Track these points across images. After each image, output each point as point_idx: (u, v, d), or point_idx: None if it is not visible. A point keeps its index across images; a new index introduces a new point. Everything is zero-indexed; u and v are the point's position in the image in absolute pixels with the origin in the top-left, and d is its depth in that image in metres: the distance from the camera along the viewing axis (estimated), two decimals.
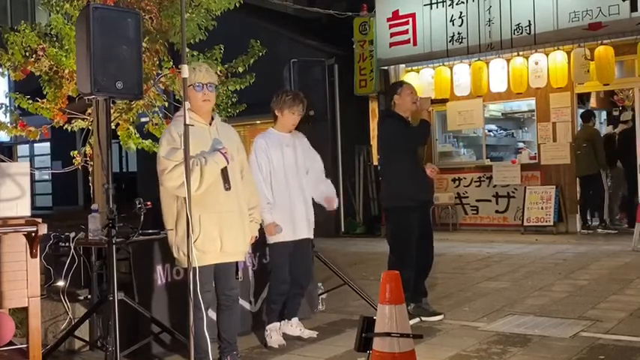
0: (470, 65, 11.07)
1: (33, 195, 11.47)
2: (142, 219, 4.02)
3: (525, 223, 10.83)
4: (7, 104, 7.12)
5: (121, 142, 7.05)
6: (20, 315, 3.79)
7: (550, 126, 10.94)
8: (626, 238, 9.01)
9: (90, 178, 6.48)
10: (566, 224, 10.73)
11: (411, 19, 11.68)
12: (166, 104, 7.05)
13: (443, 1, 11.33)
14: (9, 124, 6.87)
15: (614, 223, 10.95)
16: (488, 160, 11.83)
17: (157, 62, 6.65)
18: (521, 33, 10.54)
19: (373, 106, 12.92)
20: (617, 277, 6.72)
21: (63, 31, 6.13)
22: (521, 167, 11.24)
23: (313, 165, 4.95)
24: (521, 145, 12.37)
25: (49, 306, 4.62)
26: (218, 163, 3.79)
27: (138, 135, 7.00)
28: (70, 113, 6.55)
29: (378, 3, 12.18)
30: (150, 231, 4.41)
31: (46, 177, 20.01)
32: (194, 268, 3.40)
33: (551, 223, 10.60)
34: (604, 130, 12.41)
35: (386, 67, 12.26)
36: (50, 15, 6.41)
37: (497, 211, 11.54)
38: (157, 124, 6.96)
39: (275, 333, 4.69)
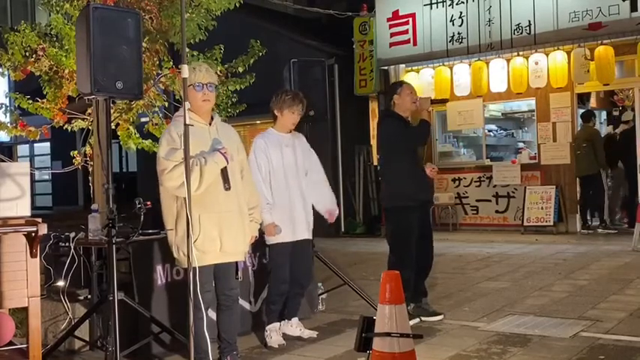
0: (470, 65, 11.07)
1: (33, 195, 11.48)
2: (142, 219, 4.02)
3: (525, 223, 10.83)
4: (7, 104, 7.12)
5: (121, 142, 7.05)
6: (20, 315, 3.79)
7: (550, 126, 10.94)
8: (626, 238, 9.01)
9: (90, 178, 6.48)
10: (566, 224, 10.73)
11: (411, 19, 11.69)
12: (166, 104, 7.05)
13: (443, 1, 11.33)
14: (9, 124, 6.87)
15: (614, 223, 10.96)
16: (488, 160, 11.83)
17: (157, 62, 6.65)
18: (521, 33, 10.55)
19: (373, 106, 12.93)
20: (617, 277, 6.72)
21: (63, 31, 6.13)
22: (521, 167, 11.24)
23: (313, 167, 4.95)
24: (521, 145, 12.37)
25: (49, 306, 4.62)
26: (218, 163, 3.79)
27: (138, 135, 7.00)
28: (70, 113, 6.55)
29: (378, 3, 12.18)
30: (150, 231, 4.41)
31: (46, 177, 20.01)
32: (194, 268, 3.40)
33: (551, 223, 10.60)
34: (604, 130, 12.42)
35: (386, 67, 12.26)
36: (50, 15, 6.41)
37: (497, 211, 11.54)
38: (157, 124, 6.96)
39: (275, 333, 4.69)
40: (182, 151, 3.50)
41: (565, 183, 10.83)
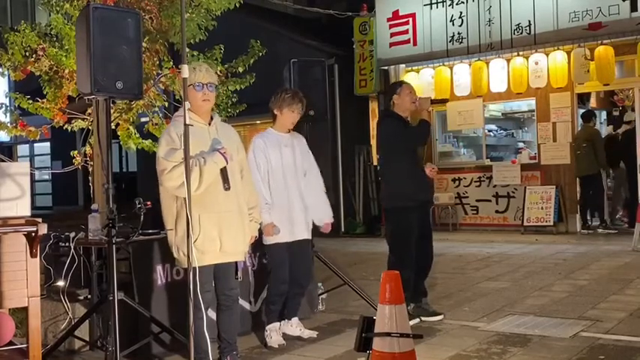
0: (470, 65, 11.08)
1: (33, 195, 11.46)
2: (141, 219, 4.02)
3: (525, 223, 10.83)
4: (7, 104, 7.12)
5: (121, 142, 7.05)
6: (20, 315, 3.78)
7: (550, 126, 10.94)
8: (626, 238, 9.01)
9: (90, 178, 6.48)
10: (566, 224, 10.74)
11: (411, 19, 11.69)
12: (166, 104, 7.05)
13: (443, 1, 11.33)
14: (9, 124, 6.87)
15: (614, 223, 10.96)
16: (488, 160, 11.83)
17: (157, 62, 6.65)
18: (521, 33, 10.55)
19: (373, 106, 12.93)
20: (617, 277, 6.72)
21: (63, 31, 6.13)
22: (521, 167, 11.24)
23: (311, 170, 4.95)
24: (521, 145, 12.37)
25: (49, 306, 4.62)
26: (217, 163, 3.79)
27: (138, 135, 7.00)
28: (70, 113, 6.55)
29: (378, 3, 12.19)
30: (150, 231, 4.41)
31: (46, 177, 20.01)
32: (194, 268, 3.40)
33: (551, 223, 10.60)
34: (604, 130, 12.42)
35: (386, 67, 12.26)
36: (50, 15, 6.41)
37: (497, 211, 11.54)
38: (157, 124, 6.96)
39: (275, 333, 4.69)
40: (182, 151, 3.50)
41: (565, 183, 10.83)
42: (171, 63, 6.76)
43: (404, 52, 11.77)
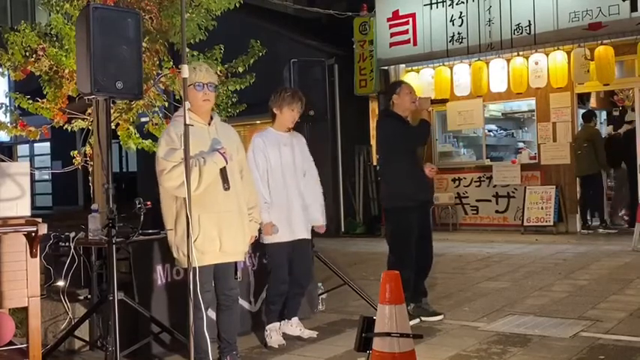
0: (470, 65, 11.08)
1: (33, 195, 11.48)
2: (141, 219, 4.02)
3: (525, 223, 10.83)
4: (7, 104, 7.12)
5: (121, 142, 7.05)
6: (20, 315, 3.78)
7: (550, 126, 10.95)
8: (626, 238, 9.01)
9: (90, 178, 6.48)
10: (566, 224, 10.74)
11: (411, 19, 11.69)
12: (166, 104, 7.05)
13: (443, 1, 11.33)
14: (9, 124, 6.87)
15: (614, 223, 10.95)
16: (488, 160, 11.84)
17: (157, 62, 6.65)
18: (521, 33, 10.55)
19: (373, 106, 12.93)
20: (617, 277, 6.72)
21: (63, 31, 6.13)
22: (521, 167, 11.24)
23: (310, 170, 4.94)
24: (521, 145, 12.37)
25: (49, 306, 4.62)
26: (217, 163, 3.79)
27: (138, 135, 7.00)
28: (70, 113, 6.55)
29: (378, 3, 12.19)
30: (150, 231, 4.41)
31: (46, 177, 20.01)
32: (194, 268, 3.40)
33: (551, 223, 10.60)
34: (604, 130, 12.41)
35: (386, 67, 12.25)
36: (50, 15, 6.40)
37: (497, 211, 11.54)
38: (157, 124, 6.96)
39: (275, 333, 4.69)
40: (181, 151, 3.50)
41: (565, 183, 10.83)
42: (171, 63, 6.76)
43: (404, 52, 11.77)
